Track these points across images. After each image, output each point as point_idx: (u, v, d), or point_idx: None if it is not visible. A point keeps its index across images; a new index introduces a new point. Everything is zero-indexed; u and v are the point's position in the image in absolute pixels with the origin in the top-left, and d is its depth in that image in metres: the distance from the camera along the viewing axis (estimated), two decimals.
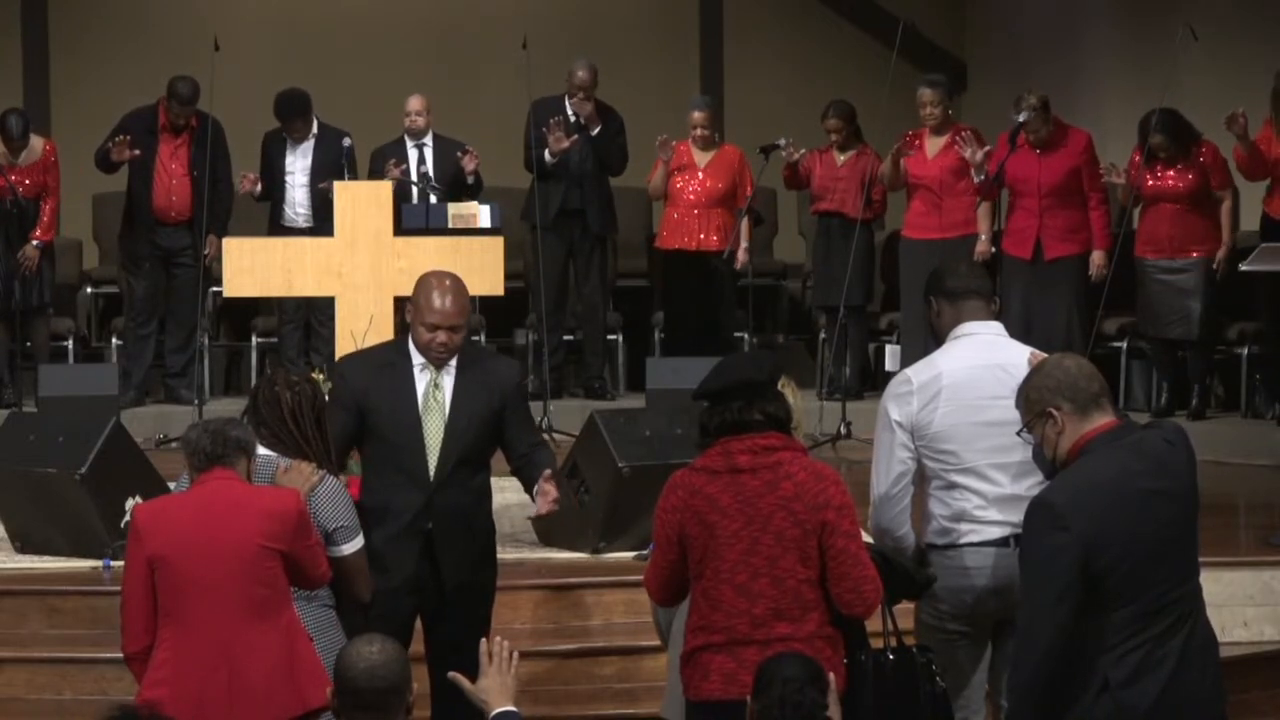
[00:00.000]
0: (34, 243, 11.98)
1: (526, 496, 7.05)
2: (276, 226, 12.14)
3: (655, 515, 5.87)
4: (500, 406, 6.75)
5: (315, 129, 12.24)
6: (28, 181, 12.00)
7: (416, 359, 6.72)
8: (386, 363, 6.77)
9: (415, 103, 12.31)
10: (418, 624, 6.84)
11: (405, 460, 6.67)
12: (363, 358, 6.98)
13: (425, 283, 6.73)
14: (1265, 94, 11.14)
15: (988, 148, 11.41)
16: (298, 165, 12.25)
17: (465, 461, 6.72)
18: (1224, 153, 11.29)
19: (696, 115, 12.32)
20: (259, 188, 12.10)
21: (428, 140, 12.34)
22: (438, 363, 6.70)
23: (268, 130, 12.38)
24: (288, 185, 12.25)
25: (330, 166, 11.80)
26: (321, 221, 12.00)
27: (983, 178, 11.32)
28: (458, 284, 6.73)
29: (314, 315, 12.18)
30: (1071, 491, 5.24)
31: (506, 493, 9.07)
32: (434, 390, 6.70)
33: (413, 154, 12.29)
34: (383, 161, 12.10)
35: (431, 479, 6.68)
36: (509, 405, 6.78)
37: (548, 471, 6.70)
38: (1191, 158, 11.27)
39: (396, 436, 6.67)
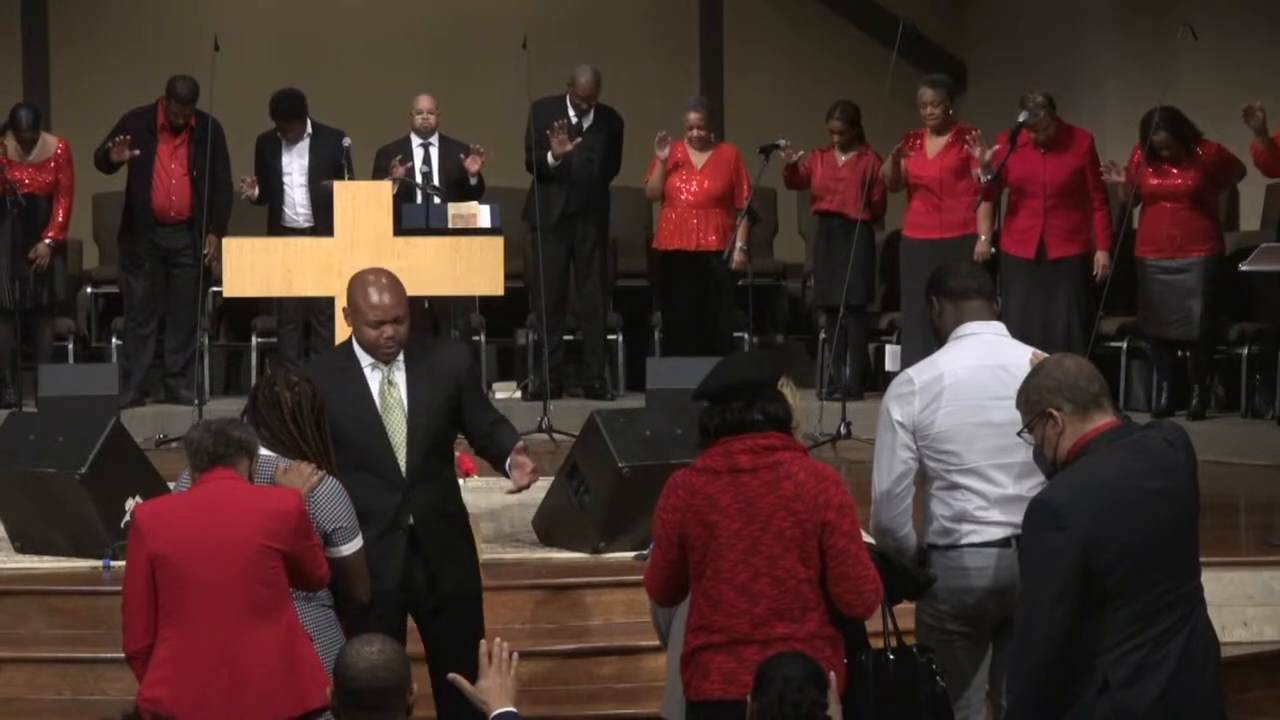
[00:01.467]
0: (47, 241, 11.99)
1: (526, 496, 7.04)
2: (276, 227, 12.15)
3: (655, 515, 5.87)
4: (455, 392, 6.76)
5: (310, 129, 12.24)
6: (41, 179, 12.01)
7: (364, 360, 6.72)
8: (337, 368, 6.76)
9: (425, 101, 12.32)
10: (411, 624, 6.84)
11: (374, 461, 6.66)
12: (312, 368, 7.02)
13: (360, 281, 6.75)
14: (1265, 93, 11.13)
15: (995, 148, 11.41)
16: (294, 165, 12.26)
17: (433, 453, 6.73)
18: (1230, 151, 11.26)
19: (692, 116, 12.33)
20: (256, 191, 12.11)
21: (434, 140, 12.35)
22: (387, 358, 6.69)
23: (262, 133, 12.38)
24: (286, 186, 12.25)
25: (327, 166, 11.81)
26: (322, 221, 12.01)
27: (989, 178, 11.31)
28: (391, 277, 6.76)
29: (314, 315, 12.18)
30: (1071, 491, 5.24)
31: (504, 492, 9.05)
32: (389, 388, 6.71)
33: (418, 153, 12.30)
34: (387, 160, 12.10)
35: (404, 475, 6.68)
36: (464, 388, 6.79)
37: (520, 444, 6.71)
38: (1193, 157, 11.25)
39: (361, 439, 6.65)
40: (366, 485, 6.62)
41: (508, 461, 6.75)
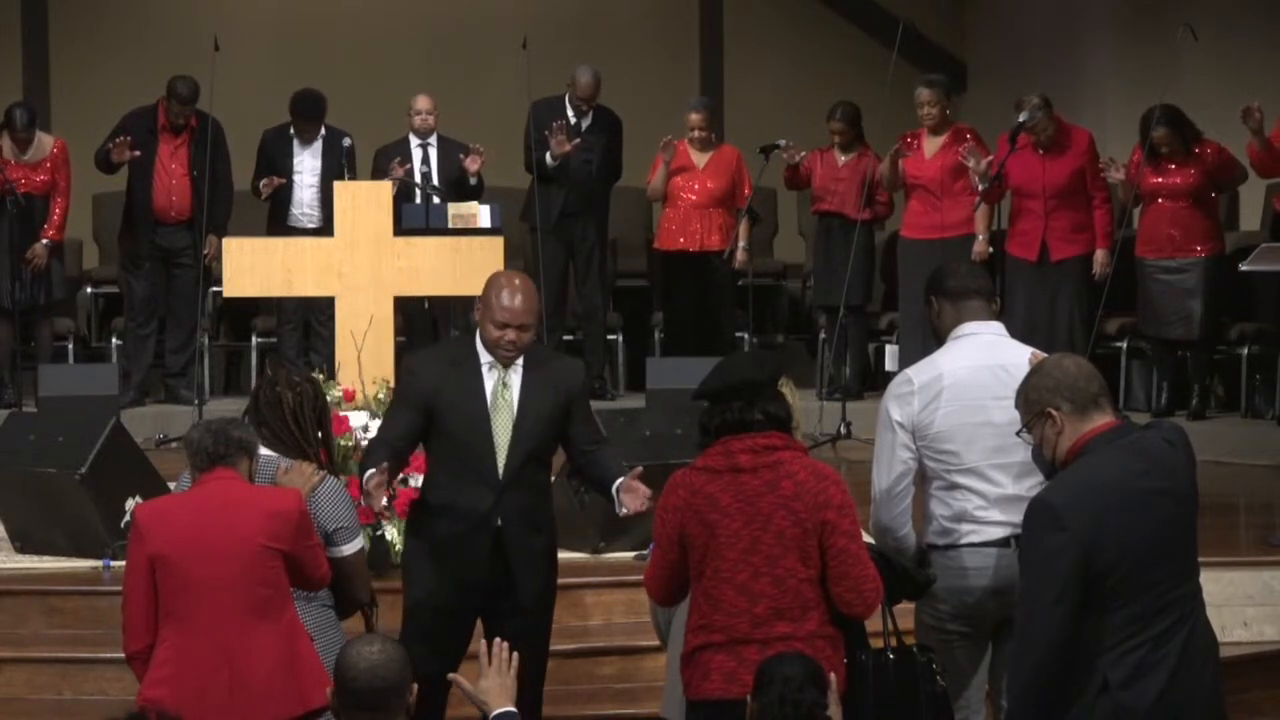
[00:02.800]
0: (44, 241, 11.99)
1: None
2: (281, 226, 12.12)
3: (656, 515, 5.88)
4: (566, 405, 6.75)
5: (324, 131, 12.24)
6: (37, 179, 12.01)
7: (484, 357, 6.71)
8: (455, 361, 6.75)
9: (424, 102, 12.30)
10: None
11: (474, 458, 6.65)
12: (432, 356, 6.98)
13: (495, 281, 6.72)
14: (1265, 94, 11.12)
15: (989, 157, 11.39)
16: (306, 165, 12.25)
17: (532, 459, 6.71)
18: (1230, 151, 11.26)
19: (694, 117, 12.33)
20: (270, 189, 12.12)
21: (432, 140, 12.34)
22: (505, 361, 6.68)
23: (267, 129, 12.37)
24: (295, 185, 12.24)
25: (338, 168, 11.81)
26: (330, 222, 11.99)
27: (986, 185, 11.30)
28: (527, 283, 6.73)
29: (313, 315, 12.17)
30: (1071, 492, 5.24)
31: None
32: (502, 389, 6.69)
33: (417, 153, 12.28)
34: (387, 161, 12.10)
35: (501, 477, 6.67)
36: (574, 403, 6.78)
37: (639, 469, 6.72)
38: (1193, 155, 11.25)
39: (465, 434, 6.66)
40: (462, 481, 6.65)
41: (616, 484, 6.71)
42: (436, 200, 11.28)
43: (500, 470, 6.67)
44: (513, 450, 6.67)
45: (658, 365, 10.70)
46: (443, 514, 6.68)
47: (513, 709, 5.19)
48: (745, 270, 12.04)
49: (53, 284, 12.17)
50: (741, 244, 11.94)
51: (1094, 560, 5.15)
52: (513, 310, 6.64)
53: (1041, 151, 11.33)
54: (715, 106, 13.10)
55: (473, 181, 12.13)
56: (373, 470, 6.50)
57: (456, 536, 6.65)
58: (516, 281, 6.71)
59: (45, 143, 12.15)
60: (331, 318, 9.12)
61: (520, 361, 6.71)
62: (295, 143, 12.25)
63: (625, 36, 14.92)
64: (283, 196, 12.22)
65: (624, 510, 6.71)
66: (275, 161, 12.24)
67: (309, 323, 12.34)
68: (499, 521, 6.67)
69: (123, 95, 12.78)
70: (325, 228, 11.66)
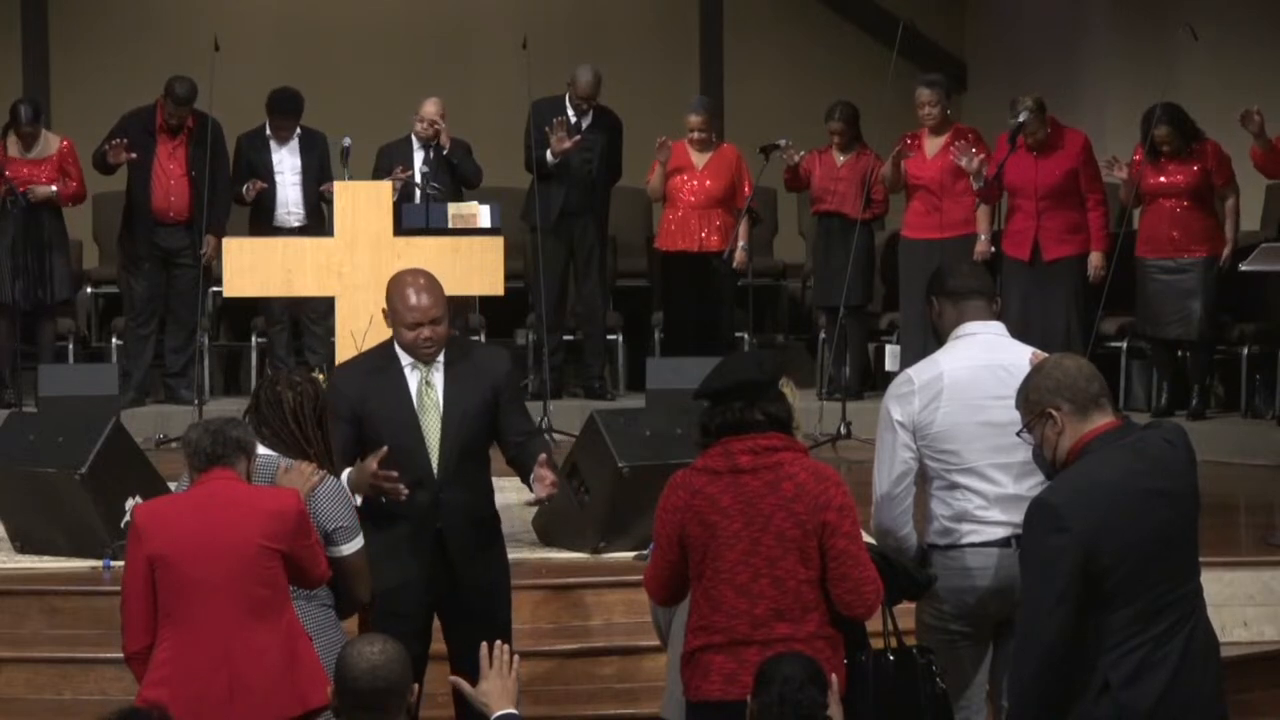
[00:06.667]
0: (52, 188, 11.93)
1: (526, 494, 7.04)
2: (267, 227, 12.10)
3: (656, 515, 5.87)
4: (493, 397, 6.76)
5: (299, 129, 12.26)
6: (42, 176, 11.99)
7: (404, 359, 6.72)
8: (376, 368, 6.77)
9: (430, 109, 12.15)
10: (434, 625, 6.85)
11: (408, 461, 6.65)
12: (353, 366, 6.99)
13: (397, 281, 6.73)
14: (1265, 94, 11.13)
15: (983, 155, 11.39)
16: (287, 165, 12.26)
17: (467, 456, 6.73)
18: (1227, 150, 11.27)
19: (694, 119, 12.31)
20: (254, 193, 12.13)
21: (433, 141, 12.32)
22: (427, 359, 6.70)
23: (243, 132, 12.35)
24: (279, 185, 12.24)
25: (317, 167, 11.84)
26: (316, 220, 12.02)
27: (981, 184, 11.30)
28: (429, 278, 6.74)
29: (305, 314, 12.17)
30: (1072, 492, 5.24)
31: (506, 492, 9.03)
32: (426, 388, 6.71)
33: (418, 154, 12.26)
34: (388, 160, 12.09)
35: (436, 477, 6.68)
36: (502, 395, 6.79)
37: (543, 456, 6.70)
38: (1193, 154, 11.25)
39: (396, 438, 6.66)
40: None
41: (531, 474, 6.73)
42: (435, 200, 11.28)
43: (435, 470, 6.68)
44: (445, 448, 6.68)
45: (658, 365, 10.70)
46: (385, 519, 6.65)
47: (514, 711, 5.18)
48: (745, 270, 12.04)
49: (55, 283, 12.13)
50: (741, 244, 11.93)
51: (1095, 560, 5.15)
52: (421, 308, 6.65)
53: (1034, 153, 11.33)
54: (715, 107, 13.09)
55: (446, 150, 12.01)
56: (350, 470, 6.55)
57: (400, 540, 6.65)
58: (422, 280, 6.71)
59: (51, 140, 12.16)
60: (324, 315, 9.12)
61: (441, 358, 6.71)
62: (272, 142, 12.27)
63: (625, 36, 14.93)
64: (264, 198, 12.22)
65: (530, 499, 6.77)
66: (254, 164, 12.25)
67: (298, 321, 12.35)
68: (439, 523, 6.69)
69: (123, 95, 12.79)
70: (310, 226, 11.70)
